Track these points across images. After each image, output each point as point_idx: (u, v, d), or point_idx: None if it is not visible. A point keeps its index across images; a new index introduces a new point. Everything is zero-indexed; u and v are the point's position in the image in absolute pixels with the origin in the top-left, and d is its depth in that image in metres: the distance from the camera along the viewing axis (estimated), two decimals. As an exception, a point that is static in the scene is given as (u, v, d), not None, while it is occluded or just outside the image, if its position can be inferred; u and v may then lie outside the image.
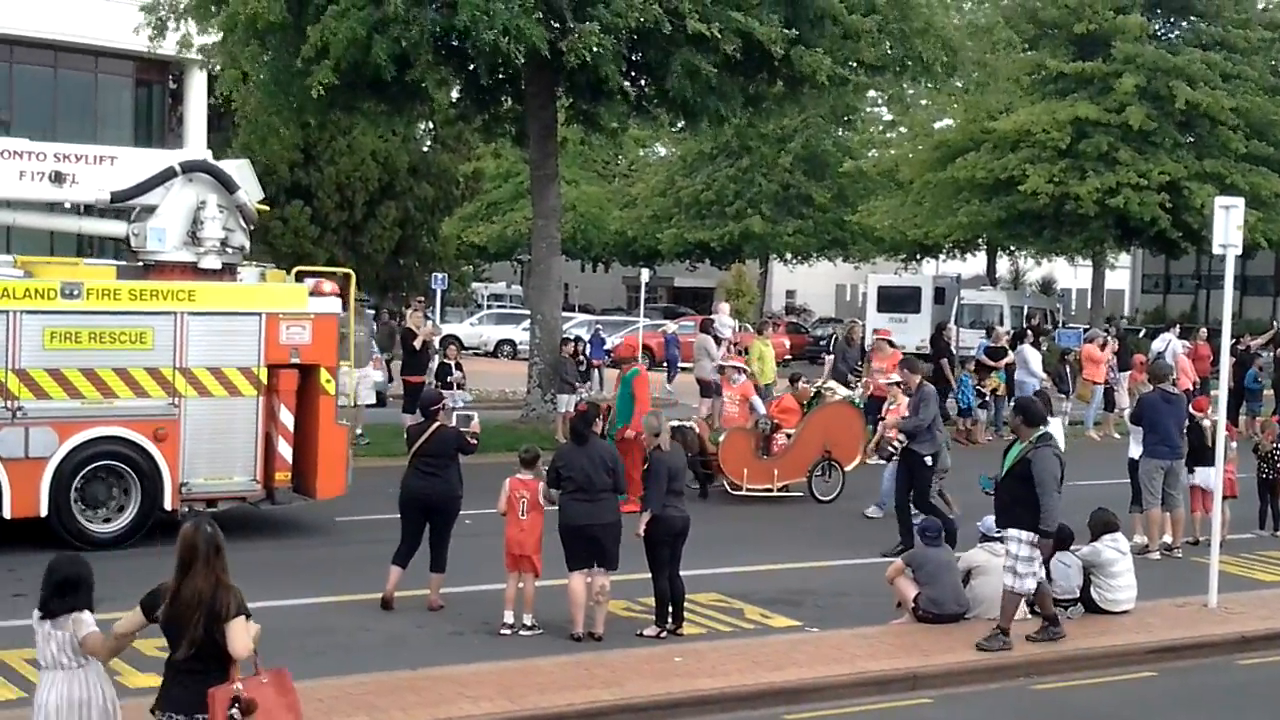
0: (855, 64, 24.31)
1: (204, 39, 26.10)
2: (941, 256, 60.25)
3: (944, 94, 30.25)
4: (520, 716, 10.73)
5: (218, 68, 28.38)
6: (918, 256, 60.27)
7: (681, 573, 13.42)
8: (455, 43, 23.34)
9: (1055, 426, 18.02)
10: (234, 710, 7.41)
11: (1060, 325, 52.86)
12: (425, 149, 53.43)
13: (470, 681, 11.38)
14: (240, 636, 7.55)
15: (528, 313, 39.39)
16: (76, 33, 42.61)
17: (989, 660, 12.93)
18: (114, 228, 17.58)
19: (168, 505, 16.33)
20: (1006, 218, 44.57)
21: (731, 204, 58.45)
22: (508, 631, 13.06)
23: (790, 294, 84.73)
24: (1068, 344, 37.03)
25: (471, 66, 23.90)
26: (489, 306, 67.62)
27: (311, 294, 17.06)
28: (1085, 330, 43.40)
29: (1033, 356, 29.85)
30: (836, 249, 62.36)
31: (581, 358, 29.23)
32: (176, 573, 7.72)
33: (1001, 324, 46.32)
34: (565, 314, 39.39)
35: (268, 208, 18.89)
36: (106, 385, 15.98)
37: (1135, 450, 18.23)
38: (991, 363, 29.62)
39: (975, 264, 65.76)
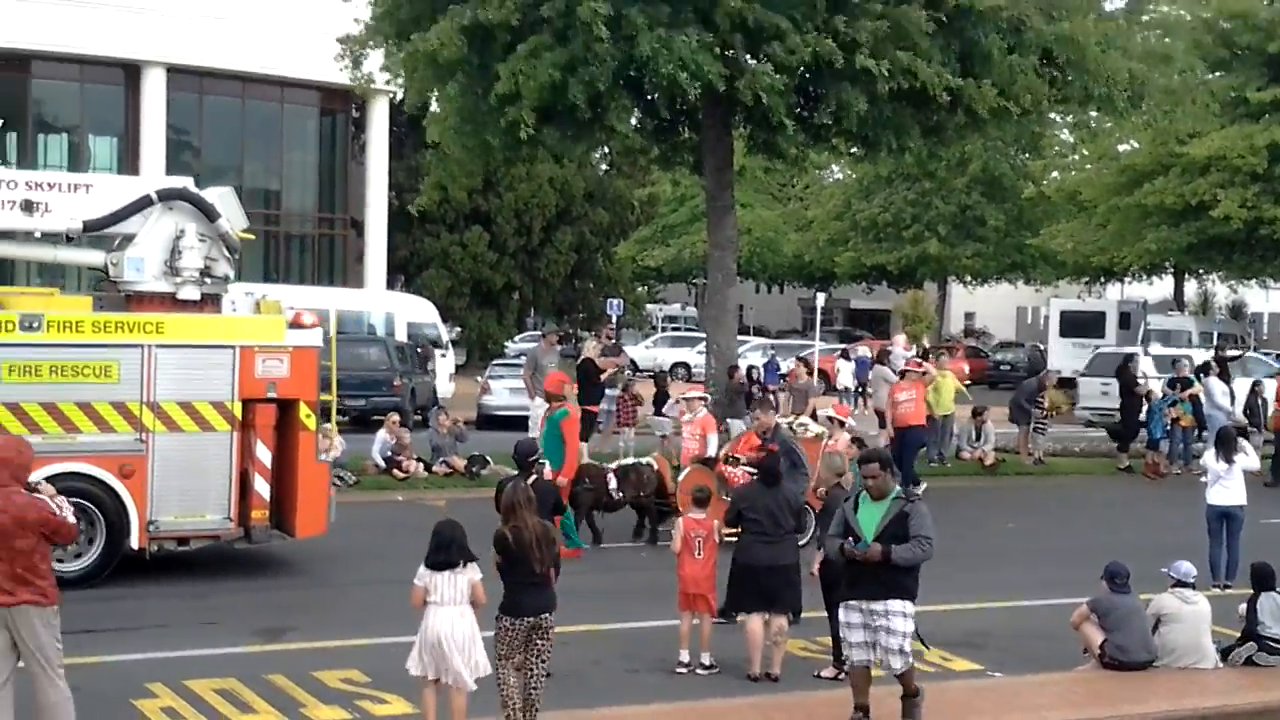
0: (1028, 98, 23.94)
1: (386, 74, 26.54)
2: (1127, 279, 58.90)
3: (1129, 121, 29.57)
4: (697, 761, 10.67)
5: (403, 97, 28.93)
6: (1101, 280, 58.99)
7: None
8: (633, 73, 23.46)
9: (1245, 462, 17.51)
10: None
11: (1251, 350, 51.29)
12: (602, 173, 53.90)
13: (646, 722, 11.36)
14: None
15: (702, 335, 39.46)
16: (263, 64, 43.80)
17: (1179, 711, 12.52)
18: (91, 257, 16.96)
19: (134, 544, 15.65)
20: (1196, 243, 43.36)
21: (909, 227, 57.87)
22: (684, 670, 12.99)
23: (969, 316, 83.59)
24: (1260, 374, 35.80)
25: (650, 97, 24.01)
26: (663, 329, 67.89)
27: (291, 326, 16.39)
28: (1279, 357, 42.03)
29: (1217, 388, 28.92)
30: (1016, 272, 61.35)
31: (755, 386, 29.16)
32: (506, 519, 10.71)
33: (1190, 346, 45.14)
34: (740, 337, 39.34)
35: (252, 236, 18.27)
36: (69, 420, 15.36)
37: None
38: (1173, 392, 28.84)
39: (1162, 287, 64.16)
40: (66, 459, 15.26)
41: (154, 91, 43.39)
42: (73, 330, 15.42)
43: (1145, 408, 29.08)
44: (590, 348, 27.90)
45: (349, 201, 49.18)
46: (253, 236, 18.45)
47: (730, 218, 26.50)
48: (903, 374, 24.68)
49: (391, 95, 44.75)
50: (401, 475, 23.49)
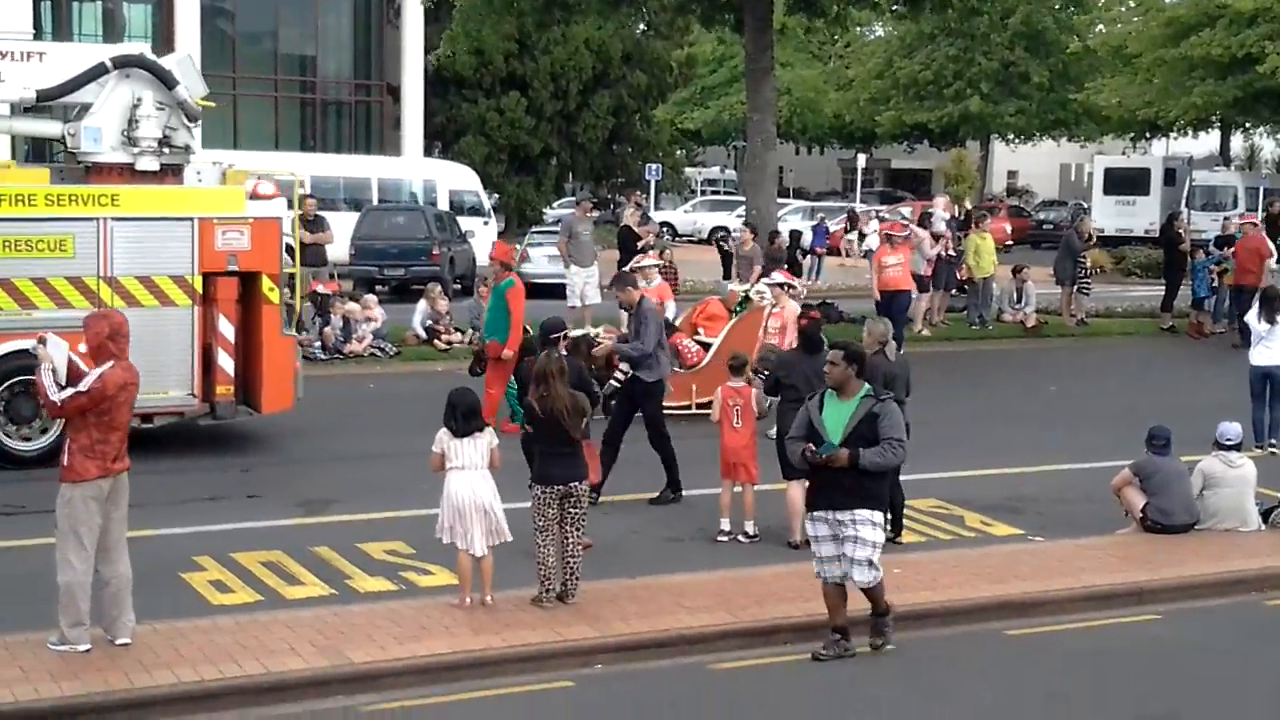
0: None
1: None
2: (1172, 135, 58.02)
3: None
4: (739, 629, 10.75)
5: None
6: (1147, 136, 58.11)
7: (901, 478, 13.24)
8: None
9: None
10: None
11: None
12: (639, 34, 53.21)
13: (689, 591, 11.44)
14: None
15: (742, 199, 39.18)
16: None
17: (1219, 574, 12.53)
18: (48, 128, 16.50)
19: None
20: (1243, 96, 42.56)
21: (950, 84, 57.01)
22: (724, 539, 13.08)
23: (1012, 175, 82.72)
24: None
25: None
26: (703, 192, 67.44)
27: (251, 197, 15.93)
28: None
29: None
30: (1060, 129, 60.49)
31: (801, 249, 28.97)
32: (537, 388, 10.96)
33: (1235, 206, 44.57)
34: (780, 200, 39.06)
35: (212, 104, 17.64)
36: (24, 296, 15.00)
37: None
38: (1219, 251, 28.52)
39: (1208, 142, 63.23)
40: (23, 336, 14.45)
41: (187, -43, 42.97)
42: (25, 204, 15.02)
43: (1189, 265, 28.80)
44: (629, 215, 27.73)
45: (385, 67, 48.81)
46: (213, 105, 17.92)
47: (769, 80, 26.16)
48: (888, 238, 24.37)
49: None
50: (443, 346, 23.53)
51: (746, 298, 19.93)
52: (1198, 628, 11.53)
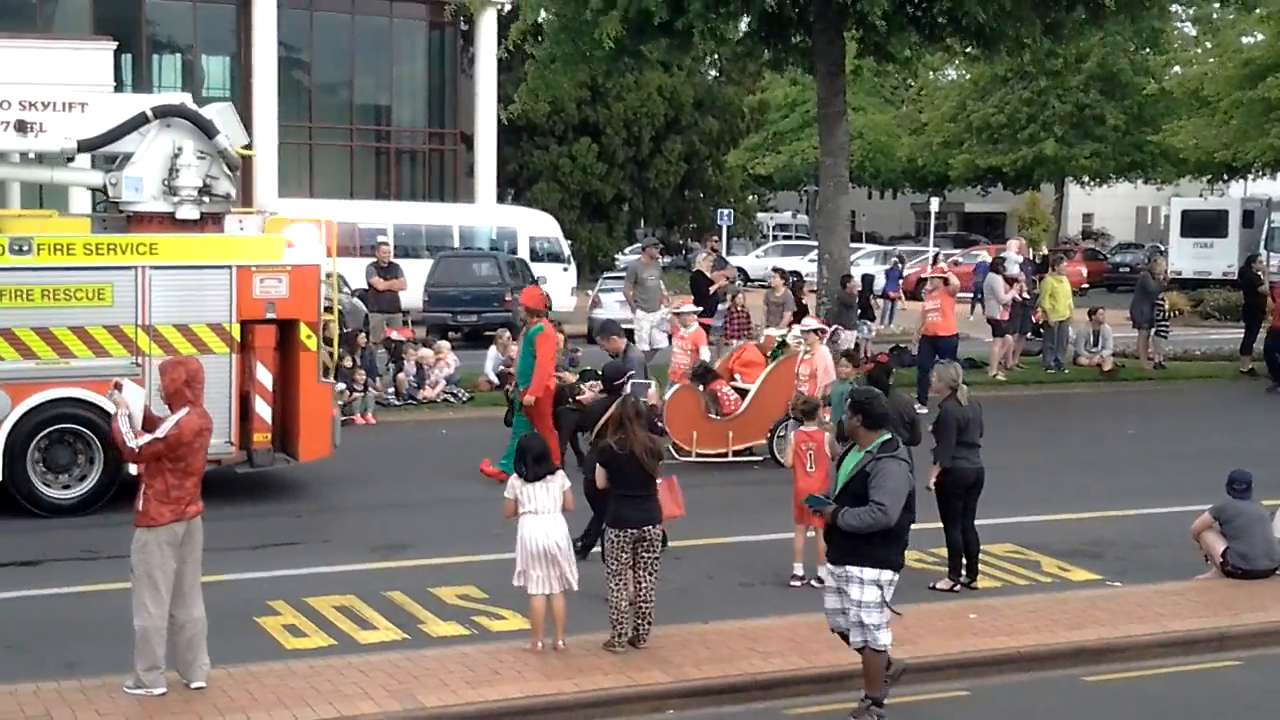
0: None
1: None
2: (1250, 177, 57.36)
3: (1249, 18, 28.58)
4: (813, 674, 10.67)
5: (508, 7, 28.80)
6: (1224, 177, 57.47)
7: (976, 522, 13.14)
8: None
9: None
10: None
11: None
12: (711, 80, 53.45)
13: (762, 636, 11.36)
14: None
15: (814, 244, 39.10)
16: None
17: (1304, 620, 12.30)
18: (90, 178, 16.59)
19: (133, 470, 14.32)
20: (1322, 137, 42.04)
21: (1024, 128, 56.73)
22: (797, 584, 12.99)
23: (1087, 218, 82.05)
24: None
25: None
26: (774, 237, 67.46)
27: (289, 245, 15.93)
28: None
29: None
30: (1136, 171, 59.98)
31: (875, 294, 28.82)
32: (616, 431, 10.96)
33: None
34: (853, 245, 38.93)
35: (251, 152, 17.41)
36: (63, 345, 15.00)
37: None
38: None
39: (1286, 183, 62.47)
40: (61, 384, 15.01)
41: (265, 9, 43.67)
42: (64, 253, 15.01)
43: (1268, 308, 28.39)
44: (701, 260, 27.74)
45: (459, 116, 49.28)
46: (252, 153, 17.96)
47: (842, 124, 26.12)
48: (933, 288, 24.32)
49: (500, 6, 44.73)
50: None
51: (783, 343, 19.87)
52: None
